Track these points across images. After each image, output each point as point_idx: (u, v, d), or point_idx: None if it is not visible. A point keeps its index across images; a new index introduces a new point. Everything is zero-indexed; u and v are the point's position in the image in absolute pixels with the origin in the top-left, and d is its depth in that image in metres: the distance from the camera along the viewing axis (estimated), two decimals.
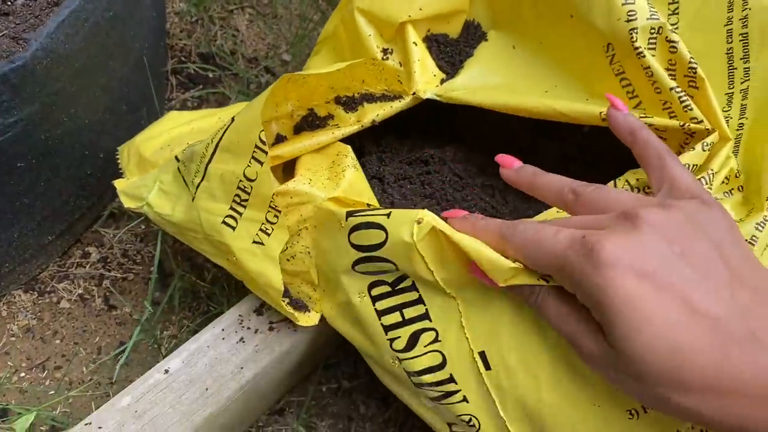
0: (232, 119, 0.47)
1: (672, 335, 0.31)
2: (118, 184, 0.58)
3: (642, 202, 0.37)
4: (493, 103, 0.50)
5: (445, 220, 0.41)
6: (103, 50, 0.56)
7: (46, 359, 0.64)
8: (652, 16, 0.46)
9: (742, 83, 0.50)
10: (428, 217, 0.41)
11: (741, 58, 0.50)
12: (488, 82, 0.53)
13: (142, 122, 0.72)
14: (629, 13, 0.46)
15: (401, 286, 0.42)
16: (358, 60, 0.51)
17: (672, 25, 0.54)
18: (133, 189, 0.56)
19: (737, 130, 0.48)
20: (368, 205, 0.46)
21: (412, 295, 0.43)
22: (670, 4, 0.54)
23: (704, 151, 0.43)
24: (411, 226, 0.40)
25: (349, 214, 0.44)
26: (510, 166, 0.45)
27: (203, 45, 0.87)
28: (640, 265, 0.32)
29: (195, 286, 0.69)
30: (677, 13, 0.54)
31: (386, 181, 0.53)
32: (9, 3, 0.60)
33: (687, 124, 0.44)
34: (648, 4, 0.47)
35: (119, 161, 0.62)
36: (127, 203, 0.56)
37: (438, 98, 0.53)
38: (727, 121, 0.50)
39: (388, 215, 0.42)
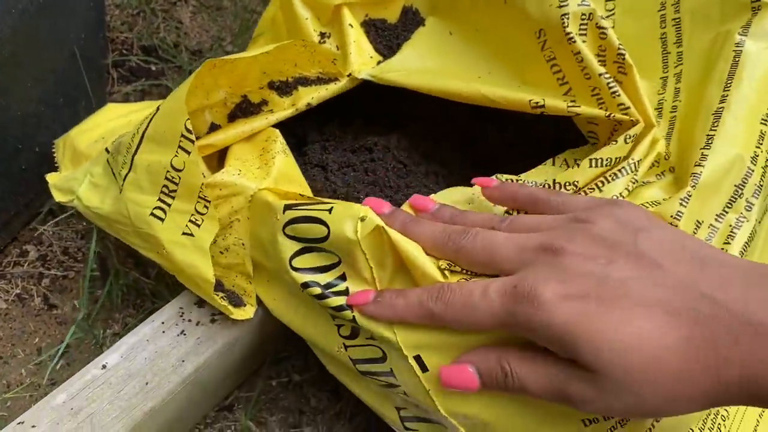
0: (158, 108, 0.46)
1: (633, 338, 0.32)
2: (50, 177, 0.56)
3: (557, 228, 0.38)
4: (427, 86, 0.50)
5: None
6: (33, 41, 0.54)
7: None
8: (583, 2, 0.47)
9: (675, 67, 0.51)
10: (371, 214, 0.40)
11: (674, 43, 0.51)
12: (423, 65, 0.53)
13: (81, 115, 0.70)
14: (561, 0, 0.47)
15: (334, 290, 0.42)
16: (287, 42, 0.50)
17: (608, 11, 0.55)
18: (64, 182, 0.55)
19: (671, 112, 0.49)
20: (303, 196, 0.45)
21: (338, 301, 0.42)
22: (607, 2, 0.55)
23: (626, 143, 0.44)
24: (354, 222, 0.40)
25: (287, 207, 0.43)
26: (426, 209, 0.44)
27: (145, 38, 0.85)
28: (577, 289, 0.33)
29: (138, 283, 0.67)
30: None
31: (329, 169, 0.52)
32: None
33: (613, 115, 0.45)
34: None
35: (55, 155, 0.60)
36: (58, 197, 0.55)
37: (372, 79, 0.53)
38: (662, 103, 0.51)
39: (330, 210, 0.41)
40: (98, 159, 0.53)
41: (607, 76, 0.46)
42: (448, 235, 0.39)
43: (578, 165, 0.44)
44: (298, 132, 0.57)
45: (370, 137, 0.55)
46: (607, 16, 0.55)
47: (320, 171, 0.52)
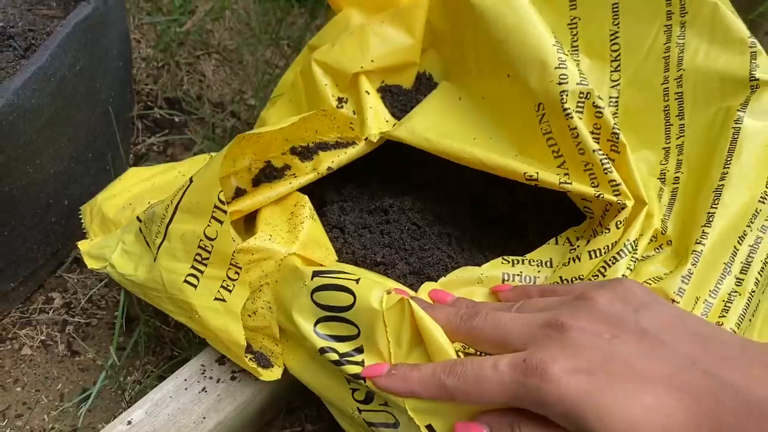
0: (191, 180, 0.49)
1: (640, 412, 0.33)
2: (81, 245, 0.58)
3: (561, 306, 0.40)
4: (430, 146, 0.53)
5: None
6: (69, 103, 0.58)
7: (7, 407, 0.64)
8: (582, 82, 0.49)
9: (677, 139, 0.53)
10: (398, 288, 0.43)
11: (677, 115, 0.54)
12: (430, 126, 0.56)
13: (108, 168, 0.73)
14: (561, 77, 0.50)
15: (350, 359, 0.43)
16: (309, 113, 0.53)
17: (614, 81, 0.57)
18: (96, 250, 0.57)
19: (673, 183, 0.51)
20: (331, 266, 0.47)
21: (355, 369, 0.43)
22: (612, 61, 0.58)
23: (618, 228, 0.46)
24: (381, 293, 0.42)
25: (316, 274, 0.45)
26: (444, 300, 0.47)
27: (169, 90, 0.89)
28: (584, 363, 0.35)
29: (159, 330, 0.70)
30: (619, 70, 0.57)
31: (347, 230, 0.54)
32: None
33: (602, 195, 0.47)
34: (578, 71, 0.50)
35: (82, 220, 0.62)
36: (91, 264, 0.57)
37: (381, 135, 0.55)
38: (664, 173, 0.53)
39: (357, 281, 0.44)
40: (130, 227, 0.55)
41: (601, 152, 0.48)
42: (461, 317, 0.41)
43: (579, 246, 0.46)
44: (317, 193, 0.60)
45: (386, 199, 0.58)
46: (613, 86, 0.58)
47: (339, 232, 0.55)
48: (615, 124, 0.48)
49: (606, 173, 0.47)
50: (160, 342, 0.70)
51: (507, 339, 0.39)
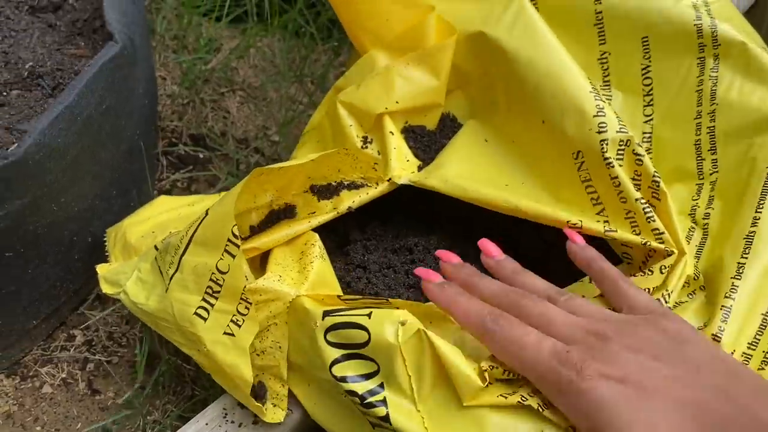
0: (206, 212, 0.48)
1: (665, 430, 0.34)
2: (100, 269, 0.58)
3: (609, 322, 0.40)
4: (463, 194, 0.52)
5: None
6: (95, 142, 0.58)
7: None
8: (621, 129, 0.49)
9: (711, 174, 0.52)
10: (411, 318, 0.42)
11: (709, 150, 0.53)
12: (460, 172, 0.55)
13: (132, 204, 0.73)
14: (600, 125, 0.49)
15: (374, 399, 0.42)
16: (331, 150, 0.53)
17: (647, 116, 0.56)
18: (113, 275, 0.57)
19: (704, 220, 0.50)
20: (341, 299, 0.46)
21: (381, 411, 0.42)
22: (645, 95, 0.57)
23: (662, 273, 0.46)
24: (395, 326, 0.41)
25: (326, 314, 0.44)
26: (491, 255, 0.49)
27: (194, 127, 0.89)
28: (619, 373, 0.36)
29: (180, 369, 0.69)
30: (652, 105, 0.56)
31: (370, 270, 0.53)
32: (4, 94, 0.62)
33: (649, 243, 0.47)
34: (616, 117, 0.49)
35: (106, 244, 0.62)
36: (106, 289, 0.57)
37: (413, 184, 0.55)
38: (695, 209, 0.52)
39: (369, 315, 0.43)
40: (147, 255, 0.55)
41: (643, 201, 0.47)
42: (508, 293, 0.43)
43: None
44: (340, 230, 0.59)
45: (410, 237, 0.57)
46: (646, 121, 0.57)
47: (362, 272, 0.54)
48: (655, 171, 0.48)
49: (649, 222, 0.47)
50: (181, 381, 0.69)
51: (550, 331, 0.40)
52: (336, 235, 0.59)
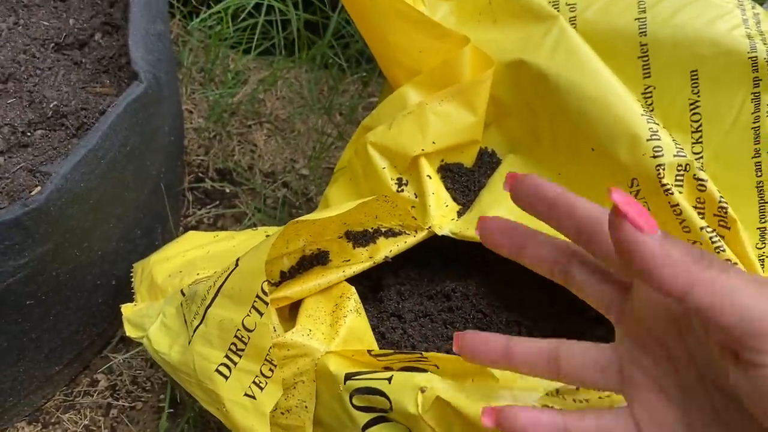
0: (237, 263, 0.46)
1: None
2: (125, 310, 0.56)
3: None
4: None
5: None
6: (119, 183, 0.56)
7: None
8: (679, 153, 0.45)
9: None
10: (433, 382, 0.39)
11: None
12: (502, 214, 0.52)
13: (157, 243, 0.71)
14: (655, 149, 0.46)
15: None
16: (369, 198, 0.50)
17: (696, 154, 0.53)
18: (137, 317, 0.55)
19: None
20: (370, 354, 0.44)
21: None
22: (693, 132, 0.53)
23: None
24: (414, 394, 0.39)
25: (348, 377, 0.42)
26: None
27: (221, 161, 0.87)
28: None
29: (205, 415, 0.66)
30: (701, 142, 0.53)
31: (406, 319, 0.50)
32: (28, 134, 0.61)
33: None
34: (674, 141, 0.46)
35: (133, 279, 0.60)
36: (130, 332, 0.55)
37: (454, 236, 0.52)
38: (762, 258, 0.48)
39: (390, 379, 0.40)
40: (173, 299, 0.53)
41: (709, 229, 0.44)
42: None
43: None
44: (373, 275, 0.56)
45: (447, 282, 0.54)
46: (695, 159, 0.53)
47: (397, 321, 0.51)
48: (721, 197, 0.44)
49: (718, 252, 0.43)
50: (206, 428, 0.66)
51: None
52: (368, 280, 0.56)
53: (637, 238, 0.28)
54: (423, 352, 0.42)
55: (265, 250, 0.44)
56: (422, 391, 0.39)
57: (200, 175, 0.86)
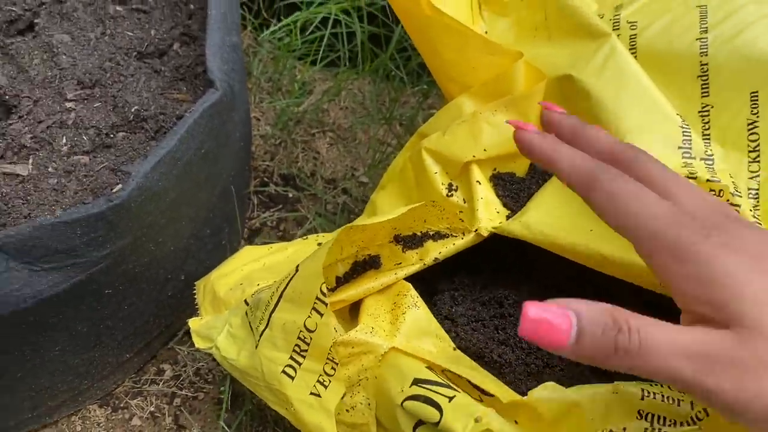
0: (297, 268, 0.48)
1: None
2: (192, 323, 0.59)
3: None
4: (544, 240, 0.50)
5: None
6: (193, 184, 0.60)
7: None
8: (713, 179, 0.46)
9: None
10: (490, 417, 0.40)
11: None
12: (549, 220, 0.53)
13: (223, 242, 0.75)
14: (690, 171, 0.47)
15: None
16: (418, 204, 0.52)
17: (752, 173, 0.53)
18: (204, 330, 0.58)
19: None
20: (436, 369, 0.45)
21: None
22: (750, 152, 0.53)
23: None
24: (468, 420, 0.40)
25: (416, 382, 0.44)
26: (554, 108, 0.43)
27: (285, 166, 0.91)
28: (752, 251, 0.31)
29: (263, 409, 0.69)
30: (758, 161, 0.53)
31: (458, 323, 0.52)
32: (111, 136, 0.65)
33: None
34: (706, 166, 0.46)
35: (195, 296, 0.64)
36: (199, 344, 0.58)
37: (495, 231, 0.53)
38: None
39: (451, 399, 0.42)
40: (237, 310, 0.56)
41: None
42: (625, 149, 0.38)
43: None
44: (428, 279, 0.58)
45: (500, 289, 0.55)
46: (752, 177, 0.53)
47: (450, 324, 0.52)
48: (759, 222, 0.44)
49: None
50: (263, 421, 0.69)
51: (669, 192, 0.35)
52: (423, 284, 0.58)
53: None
54: (480, 384, 0.44)
55: (322, 255, 0.46)
56: (476, 420, 0.40)
57: (265, 179, 0.90)
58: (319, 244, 0.65)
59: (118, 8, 0.78)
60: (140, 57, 0.73)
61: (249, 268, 0.63)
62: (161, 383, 0.72)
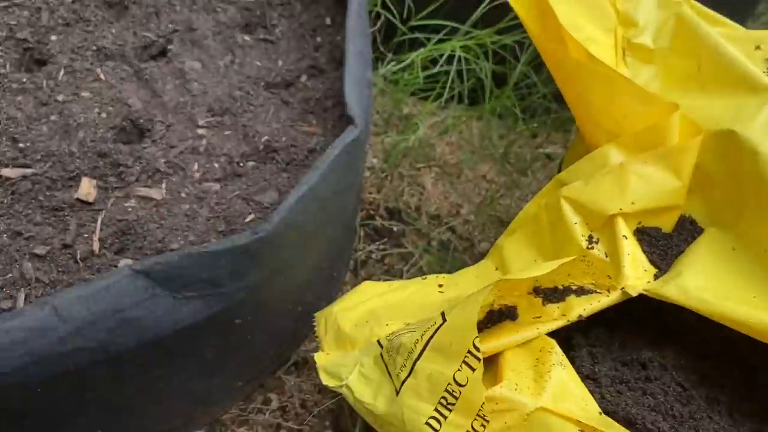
0: (443, 318, 0.47)
1: None
2: (318, 359, 0.58)
3: None
4: (708, 310, 0.48)
5: None
6: (326, 218, 0.60)
7: None
8: None
9: None
10: None
11: None
12: (703, 284, 0.51)
13: (335, 274, 0.75)
14: None
15: None
16: (568, 259, 0.50)
17: None
18: (333, 367, 0.57)
19: None
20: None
21: None
22: None
23: None
24: None
25: None
26: None
27: (391, 200, 0.91)
28: None
29: None
30: None
31: (602, 384, 0.50)
32: (242, 165, 0.66)
33: None
34: None
35: (315, 328, 0.63)
36: (326, 381, 0.57)
37: (647, 293, 0.51)
38: None
39: None
40: (369, 350, 0.55)
41: None
42: None
43: None
44: (561, 333, 0.56)
45: (643, 350, 0.53)
46: None
47: (593, 385, 0.50)
48: None
49: None
50: None
51: None
52: (556, 337, 0.56)
53: None
54: None
55: (475, 307, 0.45)
56: None
57: (371, 212, 0.90)
58: (440, 286, 0.64)
59: (245, 38, 0.79)
60: (268, 87, 0.74)
61: (372, 304, 0.62)
62: (267, 413, 0.72)
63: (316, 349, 0.62)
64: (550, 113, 0.94)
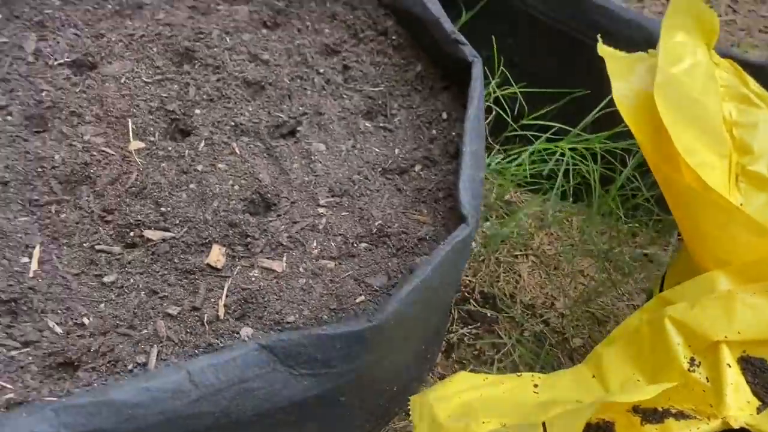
0: (544, 427, 0.49)
1: None
2: None
3: None
4: None
5: None
6: (430, 309, 0.63)
7: None
8: None
9: None
10: None
11: None
12: None
13: (429, 356, 0.78)
14: None
15: None
16: (670, 385, 0.51)
17: None
18: None
19: None
20: None
21: None
22: None
23: None
24: None
25: None
26: None
27: (486, 285, 0.93)
28: None
29: None
30: None
31: None
32: (355, 245, 0.71)
33: None
34: None
35: (410, 412, 0.66)
36: None
37: (749, 428, 0.51)
38: None
39: None
40: None
41: None
42: None
43: None
44: None
45: None
46: None
47: None
48: None
49: None
50: None
51: None
52: None
53: None
54: None
55: (581, 424, 0.47)
56: None
57: (466, 294, 0.93)
58: (535, 386, 0.65)
59: (367, 124, 0.85)
60: (384, 172, 0.79)
61: (467, 396, 0.64)
62: None
63: (406, 426, 0.64)
64: (652, 214, 0.95)
